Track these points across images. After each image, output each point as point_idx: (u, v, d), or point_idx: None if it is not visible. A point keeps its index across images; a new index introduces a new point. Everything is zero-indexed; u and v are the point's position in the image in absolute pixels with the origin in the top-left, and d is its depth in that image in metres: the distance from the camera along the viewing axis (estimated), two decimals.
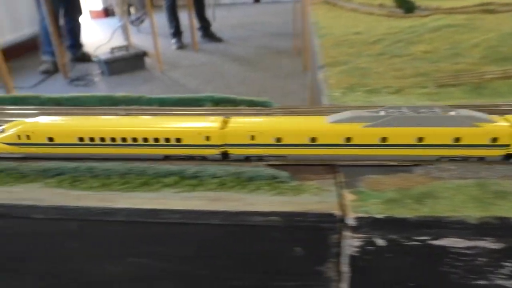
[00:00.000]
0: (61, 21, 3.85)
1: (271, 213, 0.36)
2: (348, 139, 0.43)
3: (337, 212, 0.41)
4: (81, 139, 0.38)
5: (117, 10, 4.53)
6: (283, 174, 0.43)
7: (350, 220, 0.41)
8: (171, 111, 0.44)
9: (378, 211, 0.41)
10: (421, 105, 0.50)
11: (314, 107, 0.48)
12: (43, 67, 3.88)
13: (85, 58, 4.11)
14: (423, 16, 1.56)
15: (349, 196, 0.44)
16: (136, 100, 0.45)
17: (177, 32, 4.54)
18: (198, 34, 4.64)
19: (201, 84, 3.66)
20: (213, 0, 5.28)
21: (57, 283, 0.32)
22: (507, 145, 0.39)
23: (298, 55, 4.12)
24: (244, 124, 0.41)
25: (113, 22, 5.68)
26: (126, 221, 0.29)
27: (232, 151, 0.40)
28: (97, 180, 0.32)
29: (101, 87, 3.63)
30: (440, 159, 0.42)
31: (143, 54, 3.94)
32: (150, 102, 0.45)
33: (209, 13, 4.84)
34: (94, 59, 3.85)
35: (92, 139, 0.36)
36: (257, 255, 0.35)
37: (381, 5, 1.80)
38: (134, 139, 0.36)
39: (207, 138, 0.38)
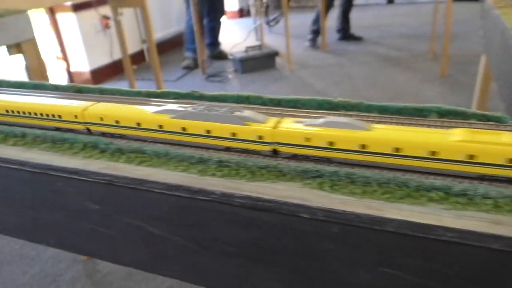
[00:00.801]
0: (204, 21, 4.15)
1: None
2: (160, 126, 0.46)
3: None
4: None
5: (252, 11, 4.73)
6: None
7: None
8: (392, 120, 0.43)
9: None
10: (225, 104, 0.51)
11: None
12: (185, 62, 4.24)
13: (221, 56, 4.38)
14: None
15: None
16: (356, 106, 0.45)
17: (317, 31, 4.56)
18: (333, 36, 4.62)
19: (329, 85, 3.64)
20: (344, 1, 5.19)
21: (305, 280, 0.33)
22: (271, 143, 0.41)
23: (435, 59, 3.84)
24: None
25: (248, 22, 5.97)
26: (393, 232, 0.29)
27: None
28: (357, 186, 0.32)
29: (234, 84, 3.83)
30: (228, 149, 0.44)
31: (275, 53, 4.05)
32: (369, 109, 0.44)
33: (339, 13, 4.78)
34: (229, 57, 4.08)
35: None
36: None
37: None
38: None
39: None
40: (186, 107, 0.46)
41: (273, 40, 4.82)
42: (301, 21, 5.74)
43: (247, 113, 0.44)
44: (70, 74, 3.94)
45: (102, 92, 0.58)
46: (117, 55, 4.12)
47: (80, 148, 0.42)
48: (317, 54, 4.47)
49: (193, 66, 4.22)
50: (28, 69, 1.58)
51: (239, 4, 6.23)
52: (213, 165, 0.37)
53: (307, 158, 0.40)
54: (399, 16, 4.67)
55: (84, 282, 1.81)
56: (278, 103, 0.49)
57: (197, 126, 0.44)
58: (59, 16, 3.70)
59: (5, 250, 1.98)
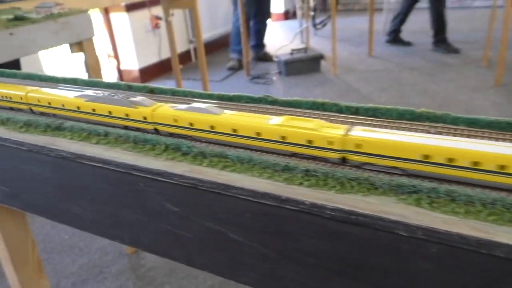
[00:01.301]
0: (250, 23, 4.17)
1: None
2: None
3: None
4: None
5: (299, 13, 4.71)
6: None
7: None
8: (484, 135, 0.40)
9: None
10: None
11: None
12: (230, 64, 4.28)
13: (266, 58, 4.38)
14: None
15: None
16: (441, 117, 0.42)
17: (397, 30, 4.48)
18: (380, 40, 4.52)
19: (376, 91, 3.56)
20: (392, 5, 5.07)
21: None
22: (153, 122, 0.48)
23: (488, 66, 3.68)
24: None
25: (293, 25, 5.95)
26: (502, 258, 0.27)
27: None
28: (458, 205, 0.30)
29: (278, 86, 3.83)
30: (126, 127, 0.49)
31: (320, 57, 4.01)
32: (456, 121, 0.42)
33: (387, 18, 4.68)
34: (274, 59, 4.08)
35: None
36: None
37: None
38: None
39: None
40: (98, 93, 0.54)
41: (318, 43, 4.78)
42: (348, 24, 5.65)
43: (138, 98, 0.52)
44: (120, 72, 4.08)
45: (174, 93, 0.59)
46: (164, 55, 4.22)
47: (162, 149, 0.42)
48: (364, 58, 4.38)
49: (238, 67, 4.26)
50: (87, 66, 1.64)
51: (285, 6, 6.22)
52: (300, 174, 0.36)
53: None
54: (450, 21, 4.50)
55: (129, 276, 1.85)
56: (355, 111, 0.48)
57: (102, 108, 0.52)
58: (113, 15, 3.83)
59: (55, 240, 2.07)
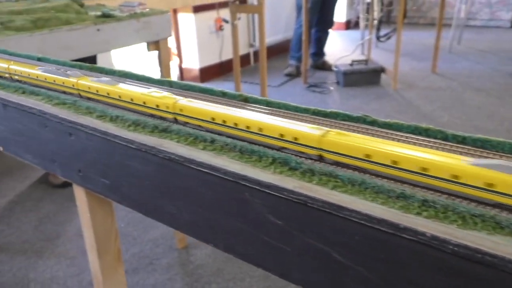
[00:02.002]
0: (311, 30, 4.16)
1: None
2: None
3: None
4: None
5: (362, 24, 4.64)
6: None
7: None
8: None
9: None
10: None
11: None
12: (288, 70, 4.29)
13: (325, 66, 4.35)
14: None
15: None
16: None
17: None
18: (445, 57, 4.36)
19: (437, 110, 3.43)
20: (461, 21, 4.88)
21: None
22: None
23: None
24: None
25: (353, 35, 5.87)
26: None
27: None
28: None
29: (335, 96, 3.79)
30: None
31: (381, 70, 3.93)
32: None
33: (455, 34, 4.50)
34: (333, 68, 4.04)
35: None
36: None
37: None
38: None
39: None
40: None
41: (378, 56, 4.68)
42: (411, 38, 5.50)
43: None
44: (181, 70, 4.20)
45: (269, 104, 0.60)
46: (225, 56, 4.30)
47: (269, 162, 0.43)
48: (426, 74, 4.24)
49: (295, 74, 4.26)
50: (160, 64, 1.71)
51: (347, 16, 6.15)
52: (416, 203, 0.36)
53: None
54: None
55: (178, 270, 1.90)
56: (462, 140, 0.46)
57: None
58: (180, 15, 3.96)
59: None
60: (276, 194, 0.40)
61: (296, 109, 0.58)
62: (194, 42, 4.01)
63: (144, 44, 1.61)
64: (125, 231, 2.12)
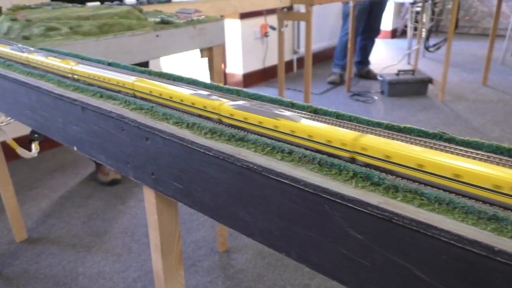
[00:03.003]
0: (357, 38, 4.12)
1: None
2: None
3: None
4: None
5: (409, 33, 4.55)
6: None
7: None
8: None
9: None
10: None
11: None
12: (331, 78, 4.26)
13: (369, 75, 4.30)
14: None
15: None
16: None
17: None
18: (496, 69, 4.20)
19: (488, 123, 3.30)
20: None
21: None
22: None
23: None
24: None
25: (400, 44, 5.76)
26: None
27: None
28: None
29: (379, 106, 3.73)
30: None
31: (428, 80, 3.83)
32: None
33: (509, 45, 4.32)
34: (379, 78, 3.98)
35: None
36: None
37: None
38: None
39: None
40: None
41: (425, 66, 4.57)
42: (461, 48, 5.33)
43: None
44: (225, 74, 4.27)
45: (339, 116, 0.60)
46: (268, 63, 4.33)
47: (349, 176, 0.44)
48: (476, 87, 4.10)
49: (339, 82, 4.23)
50: (211, 70, 1.74)
51: (393, 25, 6.05)
52: (510, 226, 0.35)
53: None
54: None
55: (219, 273, 1.92)
56: None
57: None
58: (227, 21, 4.02)
59: None
60: (359, 208, 0.41)
61: (368, 123, 0.58)
62: (239, 48, 4.06)
63: (197, 50, 1.66)
64: None
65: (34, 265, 1.89)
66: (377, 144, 0.44)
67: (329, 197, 0.43)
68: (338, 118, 0.61)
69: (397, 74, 3.82)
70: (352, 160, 0.46)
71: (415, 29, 4.45)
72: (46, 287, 1.76)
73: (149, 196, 0.69)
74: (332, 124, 0.59)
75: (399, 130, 0.55)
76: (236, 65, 4.18)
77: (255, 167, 0.48)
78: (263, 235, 0.52)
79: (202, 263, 2.01)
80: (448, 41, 3.47)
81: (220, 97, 0.62)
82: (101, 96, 0.71)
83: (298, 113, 0.63)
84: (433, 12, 3.65)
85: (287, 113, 0.53)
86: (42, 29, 1.23)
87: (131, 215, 2.27)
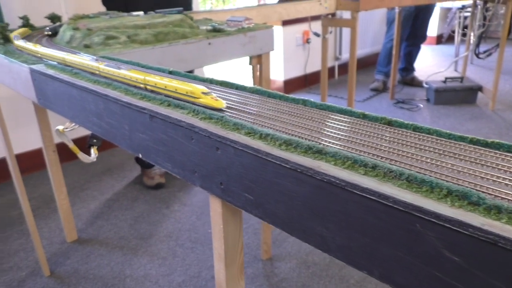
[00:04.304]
0: (401, 45, 4.02)
1: None
2: None
3: None
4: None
5: (457, 39, 4.40)
6: None
7: None
8: None
9: None
10: None
11: None
12: (374, 85, 4.18)
13: (414, 82, 4.18)
14: None
15: None
16: None
17: None
18: None
19: None
20: None
21: None
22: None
23: None
24: None
25: (446, 50, 5.58)
26: None
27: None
28: None
29: (425, 114, 3.61)
30: None
31: (478, 88, 3.68)
32: None
33: None
34: (424, 85, 3.86)
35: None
36: None
37: None
38: None
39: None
40: None
41: (474, 73, 4.40)
42: None
43: None
44: None
45: (416, 129, 0.58)
46: (309, 69, 4.31)
47: (443, 194, 0.42)
48: None
49: (382, 89, 4.14)
50: (261, 77, 1.74)
51: (438, 30, 5.87)
52: None
53: None
54: None
55: (262, 281, 1.91)
56: None
57: None
58: None
59: (200, 231, 2.23)
60: (458, 229, 0.38)
61: (450, 136, 0.55)
62: (281, 54, 4.06)
63: (246, 58, 1.66)
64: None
65: (84, 265, 1.95)
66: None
67: (423, 216, 0.41)
68: (415, 130, 0.58)
69: (444, 82, 3.69)
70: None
71: (463, 35, 4.29)
72: None
73: (215, 205, 0.69)
74: (409, 136, 0.57)
75: (486, 145, 0.52)
76: (277, 72, 4.18)
77: (337, 181, 0.47)
78: (342, 252, 0.50)
79: (246, 270, 2.00)
80: (501, 47, 3.33)
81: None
82: (169, 105, 0.72)
83: (372, 124, 0.61)
84: (484, 18, 3.50)
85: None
86: (101, 37, 1.27)
87: (175, 219, 2.31)
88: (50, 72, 0.99)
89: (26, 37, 1.45)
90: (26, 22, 1.63)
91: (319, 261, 1.96)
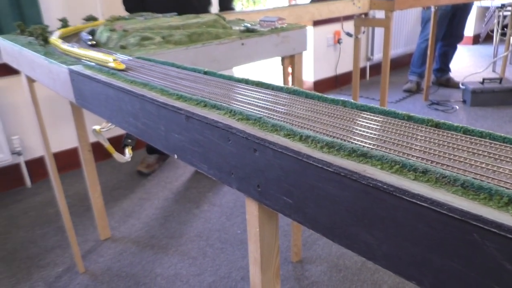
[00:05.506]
0: (436, 45, 3.90)
1: None
2: None
3: None
4: None
5: (496, 39, 4.23)
6: None
7: None
8: None
9: None
10: None
11: None
12: (407, 86, 4.07)
13: (449, 84, 4.05)
14: None
15: None
16: None
17: None
18: None
19: None
20: None
21: None
22: None
23: None
24: None
25: (483, 50, 5.39)
26: None
27: None
28: None
29: (461, 116, 3.49)
30: None
31: None
32: None
33: None
34: (460, 86, 3.74)
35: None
36: None
37: None
38: None
39: None
40: None
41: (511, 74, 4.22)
42: None
43: None
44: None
45: (466, 132, 0.55)
46: (340, 70, 4.24)
47: (503, 202, 0.39)
48: None
49: (415, 91, 4.03)
50: (293, 78, 1.72)
51: (475, 30, 5.67)
52: None
53: None
54: None
55: (293, 284, 1.88)
56: None
57: None
58: None
59: (229, 232, 2.22)
60: None
61: (505, 140, 0.51)
62: (311, 55, 4.02)
63: (279, 58, 1.64)
64: (242, 237, 2.18)
65: (116, 263, 1.98)
66: None
67: (481, 225, 0.38)
68: (466, 133, 0.55)
69: (482, 83, 3.56)
70: None
71: (502, 34, 4.12)
72: (127, 285, 1.83)
73: (251, 208, 0.67)
74: (459, 139, 0.53)
75: None
76: (307, 72, 4.14)
77: (384, 186, 0.44)
78: (388, 260, 0.48)
79: None
80: None
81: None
82: (205, 106, 0.71)
83: (417, 126, 0.58)
84: None
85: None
86: (137, 38, 1.28)
87: (205, 219, 2.31)
88: (88, 72, 1.01)
89: (65, 38, 1.48)
90: (64, 24, 1.67)
91: (350, 264, 1.92)
